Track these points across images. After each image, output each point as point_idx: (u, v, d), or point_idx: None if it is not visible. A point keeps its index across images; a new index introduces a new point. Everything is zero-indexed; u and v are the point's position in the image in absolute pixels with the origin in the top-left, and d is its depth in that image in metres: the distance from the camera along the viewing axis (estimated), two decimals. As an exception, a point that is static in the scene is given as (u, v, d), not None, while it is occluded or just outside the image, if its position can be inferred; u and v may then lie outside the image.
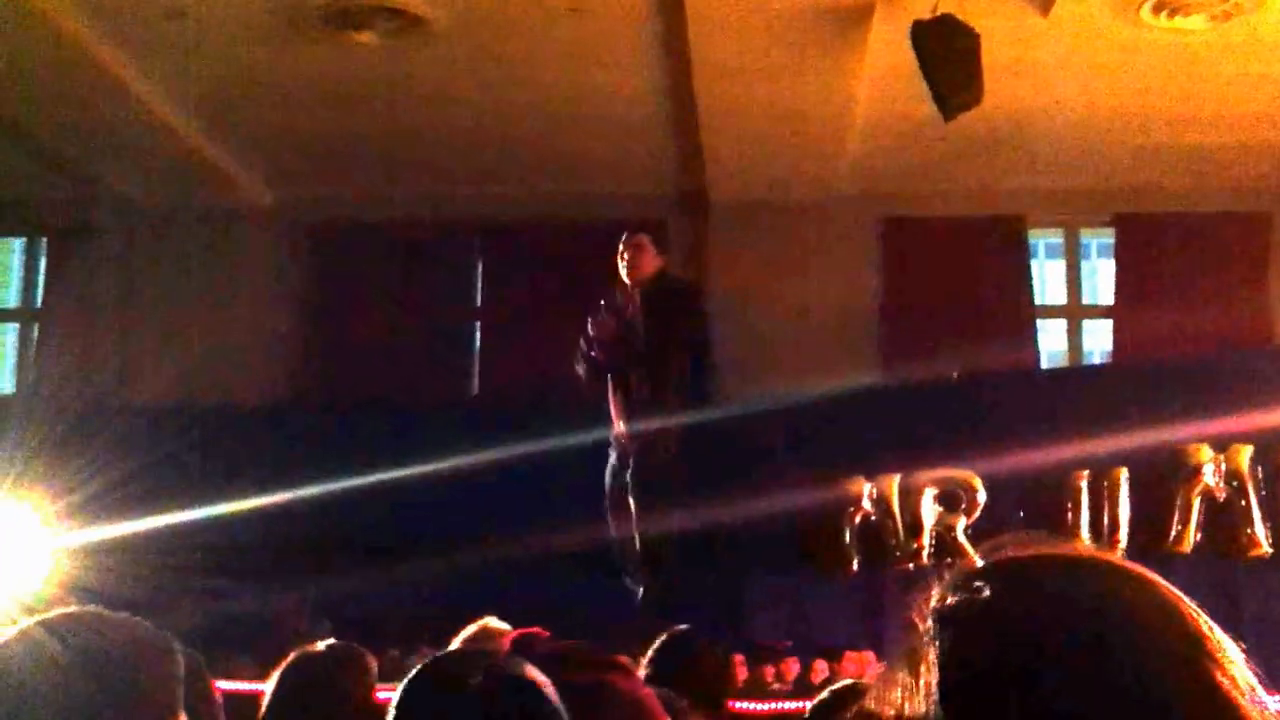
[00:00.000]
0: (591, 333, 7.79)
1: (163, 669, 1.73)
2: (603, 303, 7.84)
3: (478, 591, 6.42)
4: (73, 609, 1.77)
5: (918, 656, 1.01)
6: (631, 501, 7.73)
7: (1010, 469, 8.23)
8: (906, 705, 1.01)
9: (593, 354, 7.83)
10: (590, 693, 1.12)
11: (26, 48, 7.72)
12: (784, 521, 8.53)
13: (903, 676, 1.02)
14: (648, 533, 7.66)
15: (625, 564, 7.93)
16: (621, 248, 7.81)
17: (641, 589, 7.79)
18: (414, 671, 1.61)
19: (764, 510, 8.18)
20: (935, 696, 0.98)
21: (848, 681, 3.97)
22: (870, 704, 1.06)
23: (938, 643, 1.00)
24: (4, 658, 1.66)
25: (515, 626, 4.26)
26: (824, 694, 3.62)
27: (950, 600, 1.02)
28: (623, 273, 7.77)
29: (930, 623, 1.02)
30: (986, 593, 1.00)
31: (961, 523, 8.51)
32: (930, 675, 1.00)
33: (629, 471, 7.76)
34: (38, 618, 1.71)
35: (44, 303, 10.66)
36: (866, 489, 8.70)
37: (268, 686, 3.58)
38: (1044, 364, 10.26)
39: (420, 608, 7.64)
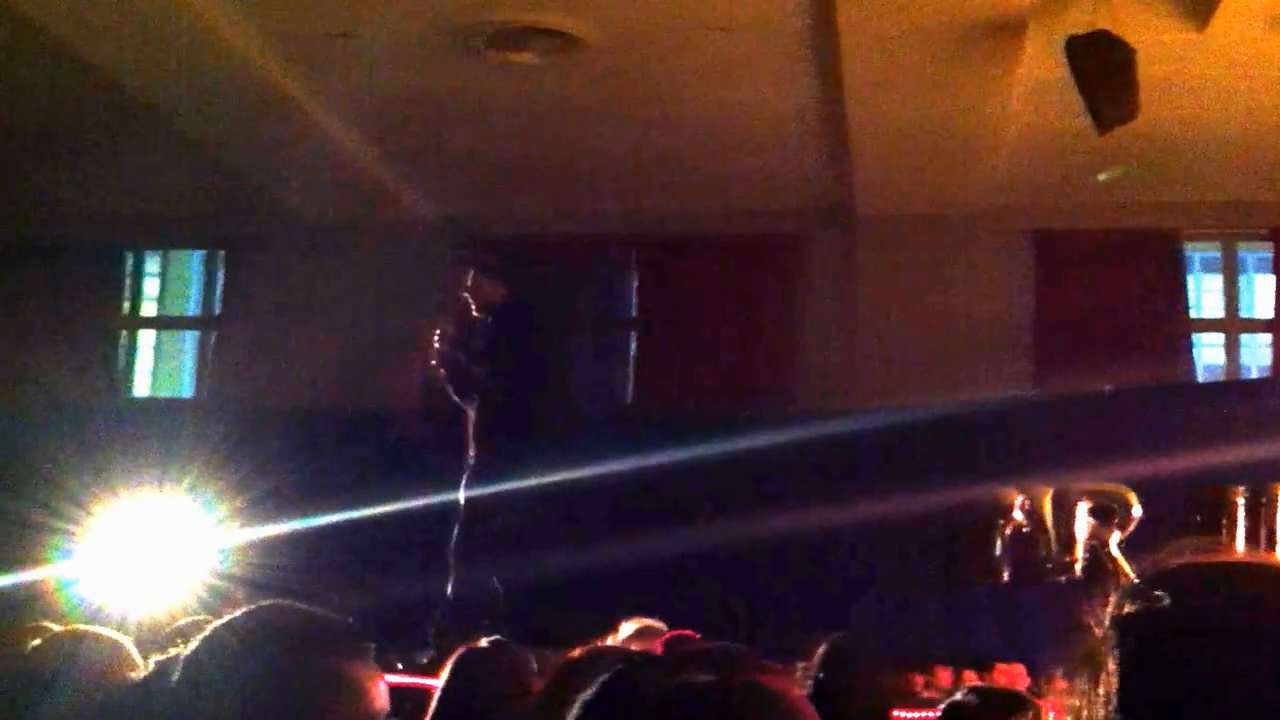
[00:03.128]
0: (434, 363, 7.39)
1: (358, 659, 1.72)
2: (438, 333, 7.47)
3: (620, 593, 6.58)
4: (254, 606, 1.76)
5: (1097, 664, 1.02)
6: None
7: (1165, 483, 8.15)
8: (1084, 712, 1.03)
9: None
10: (746, 693, 1.21)
11: (207, 72, 8.03)
12: (935, 531, 8.56)
13: (1081, 684, 1.03)
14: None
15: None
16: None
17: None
18: (616, 671, 1.35)
19: (915, 519, 8.23)
20: (1114, 705, 1.00)
21: (977, 686, 3.99)
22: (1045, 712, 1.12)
23: (1118, 650, 1.01)
24: (193, 667, 1.67)
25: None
26: (964, 696, 3.65)
27: (1130, 608, 1.03)
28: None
29: (1110, 630, 1.03)
30: (1167, 600, 1.00)
31: (1115, 537, 8.45)
32: (1110, 683, 1.00)
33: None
34: (222, 620, 1.72)
35: (221, 312, 11.08)
36: (1019, 501, 8.68)
37: (439, 681, 3.77)
38: (1200, 378, 10.11)
39: (564, 609, 7.82)
